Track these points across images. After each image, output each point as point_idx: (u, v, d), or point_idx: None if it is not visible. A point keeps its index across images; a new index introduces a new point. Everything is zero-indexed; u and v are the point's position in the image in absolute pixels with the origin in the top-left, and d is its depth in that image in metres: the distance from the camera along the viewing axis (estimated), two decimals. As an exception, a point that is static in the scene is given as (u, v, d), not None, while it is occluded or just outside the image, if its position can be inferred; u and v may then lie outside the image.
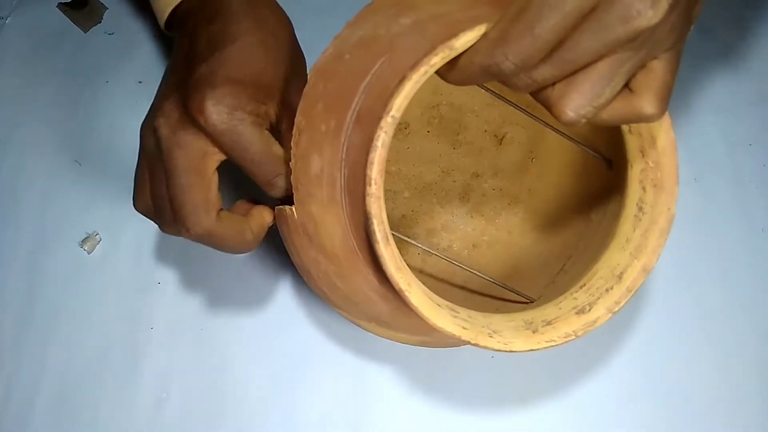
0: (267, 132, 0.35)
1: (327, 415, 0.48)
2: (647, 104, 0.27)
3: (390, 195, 0.52)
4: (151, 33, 0.60)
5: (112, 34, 0.60)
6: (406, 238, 0.41)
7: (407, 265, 0.31)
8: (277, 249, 0.53)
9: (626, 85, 0.28)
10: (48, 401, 0.49)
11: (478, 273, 0.43)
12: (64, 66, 0.59)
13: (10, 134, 0.57)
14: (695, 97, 0.57)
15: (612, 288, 0.35)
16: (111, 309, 0.51)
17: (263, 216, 0.37)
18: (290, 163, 0.35)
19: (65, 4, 0.60)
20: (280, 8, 0.38)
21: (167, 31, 0.42)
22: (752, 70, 0.59)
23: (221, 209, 0.35)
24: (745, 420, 0.48)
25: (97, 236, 0.53)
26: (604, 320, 0.34)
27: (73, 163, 0.55)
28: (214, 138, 0.33)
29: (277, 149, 0.35)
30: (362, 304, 0.36)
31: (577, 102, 0.27)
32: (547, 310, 0.35)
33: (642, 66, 0.27)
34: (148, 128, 0.35)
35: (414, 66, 0.29)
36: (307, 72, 0.38)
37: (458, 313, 0.32)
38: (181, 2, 0.39)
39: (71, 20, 0.60)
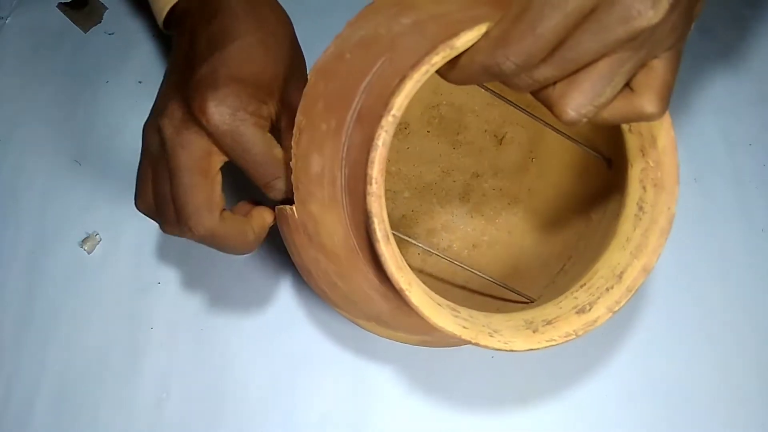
0: (269, 134, 0.35)
1: (327, 415, 0.48)
2: (648, 103, 0.27)
3: (390, 195, 0.52)
4: (150, 33, 0.60)
5: (112, 34, 0.60)
6: (406, 238, 0.41)
7: (407, 264, 0.31)
8: (277, 249, 0.53)
9: (627, 85, 0.28)
10: (48, 401, 0.49)
11: (478, 273, 0.43)
12: (64, 66, 0.59)
13: (10, 134, 0.57)
14: (695, 97, 0.57)
15: (612, 287, 0.35)
16: (111, 309, 0.51)
17: (264, 216, 0.37)
18: (291, 163, 0.35)
19: (65, 4, 0.60)
20: (281, 7, 0.38)
21: (166, 29, 0.42)
22: (752, 70, 0.59)
23: (223, 209, 0.35)
24: (745, 420, 0.48)
25: (97, 236, 0.53)
26: (605, 320, 0.34)
27: (73, 163, 0.55)
28: (215, 138, 0.33)
29: (278, 152, 0.35)
30: (362, 303, 0.36)
31: (578, 101, 0.27)
32: (548, 310, 0.35)
33: (642, 65, 0.27)
34: (152, 128, 0.35)
35: (415, 65, 0.29)
36: (307, 71, 0.38)
37: (459, 312, 0.32)
38: (179, 1, 0.39)
39: (71, 20, 0.60)
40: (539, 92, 0.28)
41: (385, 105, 0.29)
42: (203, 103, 0.32)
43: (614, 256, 0.36)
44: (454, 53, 0.28)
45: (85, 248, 0.53)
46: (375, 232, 0.29)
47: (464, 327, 0.31)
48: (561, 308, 0.35)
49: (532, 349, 0.32)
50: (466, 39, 0.28)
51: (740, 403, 0.49)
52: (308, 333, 0.51)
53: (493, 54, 0.27)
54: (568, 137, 0.41)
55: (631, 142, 0.35)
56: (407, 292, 0.30)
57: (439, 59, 0.29)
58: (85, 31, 0.60)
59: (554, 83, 0.27)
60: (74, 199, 0.54)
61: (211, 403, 0.49)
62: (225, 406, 0.49)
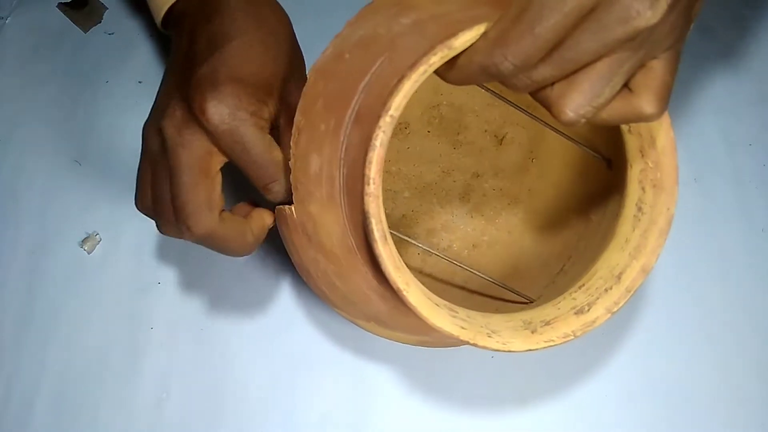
0: (268, 135, 0.35)
1: (326, 415, 0.48)
2: (647, 104, 0.27)
3: (390, 195, 0.52)
4: (150, 33, 0.60)
5: (112, 34, 0.60)
6: (405, 238, 0.41)
7: (407, 265, 0.31)
8: (277, 249, 0.53)
9: (626, 85, 0.28)
10: (48, 401, 0.49)
11: (477, 273, 0.43)
12: (64, 66, 0.59)
13: (10, 134, 0.57)
14: (695, 97, 0.57)
15: (611, 288, 0.35)
16: (111, 309, 0.51)
17: (263, 218, 0.37)
18: (290, 163, 0.35)
19: (65, 4, 0.60)
20: (280, 7, 0.38)
21: (164, 29, 0.42)
22: (752, 70, 0.59)
23: (223, 210, 0.35)
24: (745, 420, 0.48)
25: (97, 236, 0.53)
26: (603, 320, 0.34)
27: (73, 163, 0.55)
28: (215, 138, 0.33)
29: (277, 154, 0.35)
30: (361, 303, 0.36)
31: (577, 102, 0.27)
32: (546, 311, 0.35)
33: (641, 66, 0.27)
34: (152, 128, 0.35)
35: (413, 65, 0.29)
36: (307, 71, 0.38)
37: (457, 312, 0.32)
38: (178, 0, 0.39)
39: (71, 20, 0.60)
40: (538, 93, 0.28)
41: (383, 105, 0.29)
42: (203, 102, 0.32)
43: (613, 256, 0.36)
44: (453, 53, 0.28)
45: (85, 248, 0.53)
46: (372, 233, 0.29)
47: (462, 327, 0.31)
48: (559, 309, 0.35)
49: (530, 350, 0.32)
50: (464, 39, 0.28)
51: (740, 403, 0.49)
52: (308, 333, 0.51)
53: (491, 54, 0.27)
54: (568, 137, 0.41)
55: (631, 142, 0.35)
56: (405, 292, 0.30)
57: (437, 59, 0.29)
58: (85, 31, 0.60)
59: (553, 84, 0.27)
60: (74, 199, 0.54)
61: (211, 403, 0.49)
62: (225, 406, 0.49)
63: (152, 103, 0.37)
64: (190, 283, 0.52)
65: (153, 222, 0.37)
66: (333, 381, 0.50)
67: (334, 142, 0.33)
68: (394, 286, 0.30)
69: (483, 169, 0.52)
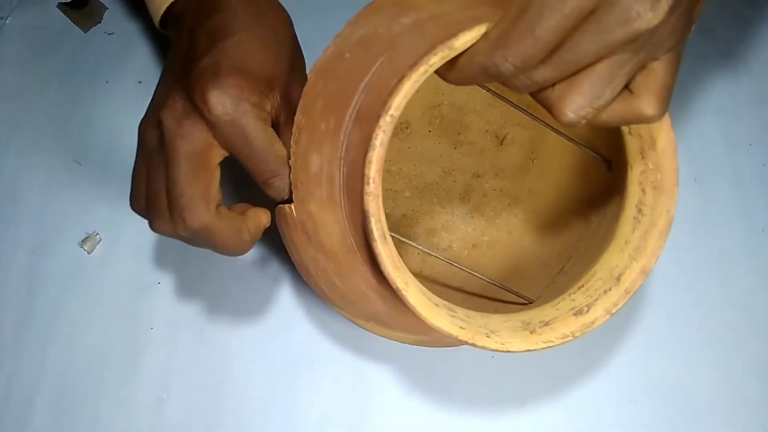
0: (271, 129, 0.34)
1: (326, 415, 0.48)
2: (647, 105, 0.27)
3: (390, 194, 0.52)
4: (150, 33, 0.60)
5: (112, 34, 0.60)
6: (405, 240, 0.41)
7: (406, 266, 0.31)
8: (276, 249, 0.53)
9: (626, 87, 0.28)
10: (48, 401, 0.49)
11: (476, 273, 0.43)
12: (64, 66, 0.59)
13: (10, 134, 0.57)
14: (695, 98, 0.57)
15: (610, 289, 0.35)
16: (111, 309, 0.51)
17: (260, 217, 0.37)
18: (290, 162, 0.35)
19: (65, 4, 0.60)
20: (281, 6, 0.38)
21: (162, 29, 0.42)
22: (752, 71, 0.59)
23: (220, 205, 0.34)
24: (745, 420, 0.48)
25: (97, 236, 0.53)
26: (602, 321, 0.34)
27: (73, 163, 0.55)
28: (217, 129, 0.33)
29: (279, 148, 0.35)
30: (360, 302, 0.37)
31: (577, 103, 0.27)
32: (545, 311, 0.35)
33: (642, 67, 0.27)
34: (150, 123, 0.34)
35: (413, 65, 0.29)
36: (307, 71, 0.38)
37: (455, 312, 0.32)
38: (176, 0, 0.39)
39: (71, 20, 0.60)
40: (538, 93, 0.28)
41: (383, 105, 0.29)
42: (205, 93, 0.32)
43: (613, 257, 0.36)
44: (453, 54, 0.28)
45: (85, 248, 0.53)
46: (372, 232, 0.29)
47: (461, 327, 0.31)
48: (558, 310, 0.35)
49: (529, 351, 0.32)
50: (464, 39, 0.28)
51: (740, 403, 0.49)
52: (308, 333, 0.51)
53: (491, 55, 0.27)
54: (569, 138, 0.41)
55: (631, 144, 0.35)
56: (404, 292, 0.30)
57: (437, 60, 0.29)
58: (85, 31, 0.60)
59: (553, 84, 0.27)
60: (74, 199, 0.54)
61: (211, 403, 0.49)
62: (225, 406, 0.49)
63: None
64: (190, 283, 0.52)
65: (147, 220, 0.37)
66: (333, 381, 0.50)
67: (335, 141, 0.33)
68: (393, 286, 0.30)
69: (483, 170, 0.52)
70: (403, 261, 0.31)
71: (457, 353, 0.48)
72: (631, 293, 0.34)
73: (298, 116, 0.36)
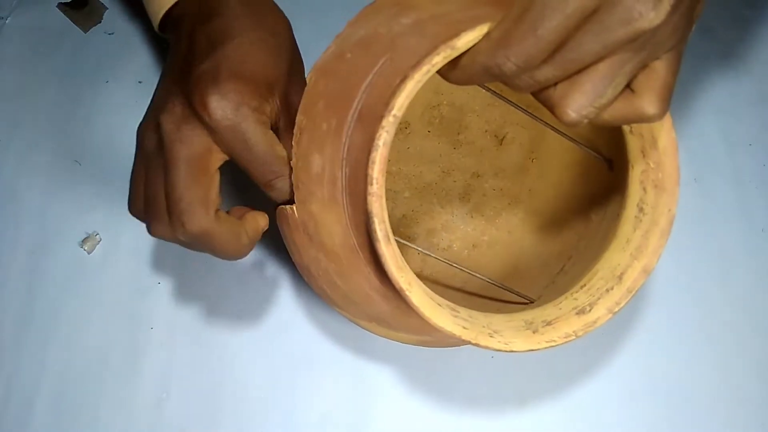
0: (271, 132, 0.34)
1: (327, 415, 0.48)
2: (648, 105, 0.27)
3: (390, 195, 0.52)
4: (151, 33, 0.60)
5: (112, 34, 0.60)
6: (404, 242, 0.41)
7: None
8: (277, 249, 0.53)
9: (628, 86, 0.28)
10: (48, 401, 0.49)
11: (476, 274, 0.43)
12: (64, 66, 0.59)
13: (10, 134, 0.57)
14: (695, 98, 0.57)
15: (612, 288, 0.35)
16: (111, 309, 0.51)
17: (258, 221, 0.37)
18: (291, 162, 0.35)
19: (65, 4, 0.60)
20: (279, 9, 0.38)
21: (161, 32, 0.42)
22: (752, 71, 0.59)
23: (218, 210, 0.34)
24: (745, 420, 0.48)
25: (97, 236, 0.53)
26: (605, 321, 0.34)
27: (73, 163, 0.55)
28: (217, 134, 0.33)
29: (280, 150, 0.35)
30: (362, 303, 0.36)
31: (579, 102, 0.27)
32: (548, 311, 0.35)
33: (643, 66, 0.27)
34: (149, 126, 0.34)
35: (416, 65, 0.29)
36: (306, 72, 0.38)
37: (459, 312, 0.32)
38: (175, 4, 0.39)
39: (71, 20, 0.60)
40: (540, 93, 0.28)
41: (385, 105, 0.29)
42: (205, 97, 0.32)
43: (614, 257, 0.36)
44: (455, 53, 0.28)
45: (85, 248, 0.53)
46: (375, 232, 0.29)
47: (464, 327, 0.31)
48: (561, 309, 0.35)
49: (532, 350, 0.33)
50: (467, 39, 0.28)
51: (740, 403, 0.49)
52: (308, 333, 0.51)
53: (494, 55, 0.27)
54: (569, 138, 0.41)
55: (632, 143, 0.35)
56: (407, 292, 0.30)
57: (440, 59, 0.29)
58: (85, 31, 0.60)
59: (555, 84, 0.27)
60: (74, 199, 0.54)
61: (211, 403, 0.49)
62: (225, 406, 0.49)
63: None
64: (191, 283, 0.52)
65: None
66: (333, 381, 0.50)
67: (336, 142, 0.33)
68: (397, 286, 0.30)
69: (483, 169, 0.52)
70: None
71: (458, 353, 0.48)
72: (633, 292, 0.34)
73: (299, 117, 0.36)
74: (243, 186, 0.50)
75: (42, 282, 0.52)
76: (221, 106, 0.32)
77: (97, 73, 0.58)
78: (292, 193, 0.35)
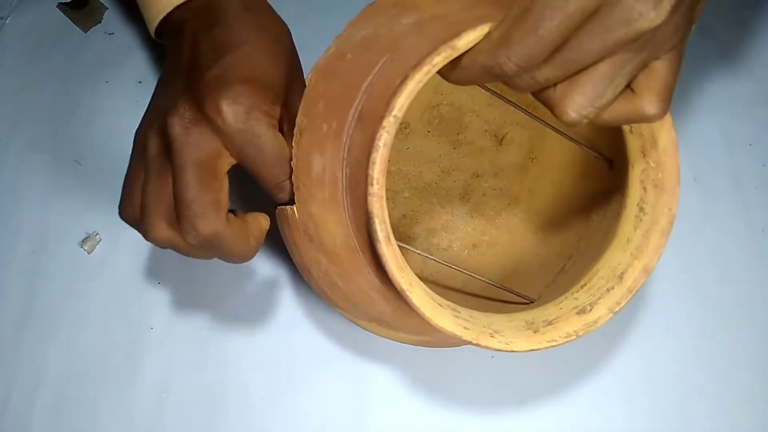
0: (280, 134, 0.35)
1: (327, 415, 0.48)
2: (649, 104, 0.28)
3: (390, 195, 0.52)
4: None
5: (112, 34, 0.60)
6: (405, 246, 0.40)
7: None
8: (277, 249, 0.53)
9: (628, 86, 0.28)
10: (48, 401, 0.49)
11: (475, 275, 0.43)
12: (64, 66, 0.59)
13: (10, 134, 0.57)
14: (695, 98, 0.57)
15: (613, 288, 0.35)
16: (111, 309, 0.51)
17: (260, 221, 0.37)
18: (291, 163, 0.35)
19: (65, 4, 0.60)
20: (279, 17, 0.38)
21: (157, 38, 0.42)
22: (752, 71, 0.59)
23: (228, 213, 0.34)
24: (745, 420, 0.48)
25: (97, 236, 0.53)
26: (605, 320, 0.34)
27: (73, 163, 0.55)
28: (229, 138, 0.33)
29: (288, 153, 0.35)
30: (363, 303, 0.36)
31: (579, 102, 0.27)
32: (548, 310, 0.35)
33: (644, 66, 0.27)
34: (150, 131, 0.34)
35: (416, 65, 0.29)
36: (306, 72, 0.38)
37: (459, 313, 0.32)
38: (174, 10, 0.39)
39: (71, 20, 0.60)
40: (540, 93, 0.28)
41: (386, 105, 0.29)
42: (217, 102, 0.32)
43: (615, 256, 0.36)
44: (456, 54, 0.29)
45: (85, 248, 0.53)
46: (376, 233, 0.29)
47: (465, 328, 0.31)
48: (561, 309, 0.35)
49: (533, 350, 0.33)
50: (467, 39, 0.28)
51: (740, 403, 0.49)
52: (308, 333, 0.51)
53: (494, 55, 0.27)
54: (569, 138, 0.41)
55: (632, 143, 0.35)
56: (408, 293, 0.30)
57: (440, 60, 0.29)
58: (85, 31, 0.60)
59: (555, 84, 0.27)
60: (74, 199, 0.54)
61: (211, 403, 0.49)
62: (225, 406, 0.49)
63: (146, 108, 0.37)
64: (190, 283, 0.52)
65: (137, 230, 0.36)
66: (333, 381, 0.50)
67: (337, 142, 0.33)
68: (398, 287, 0.30)
69: (483, 169, 0.52)
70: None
71: (458, 353, 0.48)
72: (634, 292, 0.34)
73: (299, 117, 0.36)
74: (238, 189, 0.50)
75: (42, 282, 0.52)
76: (233, 110, 0.32)
77: (97, 73, 0.58)
78: (292, 194, 0.35)
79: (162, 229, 0.34)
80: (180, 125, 0.33)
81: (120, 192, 0.37)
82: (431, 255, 0.47)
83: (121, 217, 0.37)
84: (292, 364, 0.50)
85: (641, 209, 0.35)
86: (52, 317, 0.51)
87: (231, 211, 0.35)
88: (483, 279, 0.43)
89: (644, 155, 0.34)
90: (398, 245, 0.38)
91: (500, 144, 0.52)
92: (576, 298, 0.35)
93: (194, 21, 0.37)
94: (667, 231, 0.35)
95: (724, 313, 0.51)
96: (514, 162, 0.52)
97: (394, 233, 0.30)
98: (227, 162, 0.34)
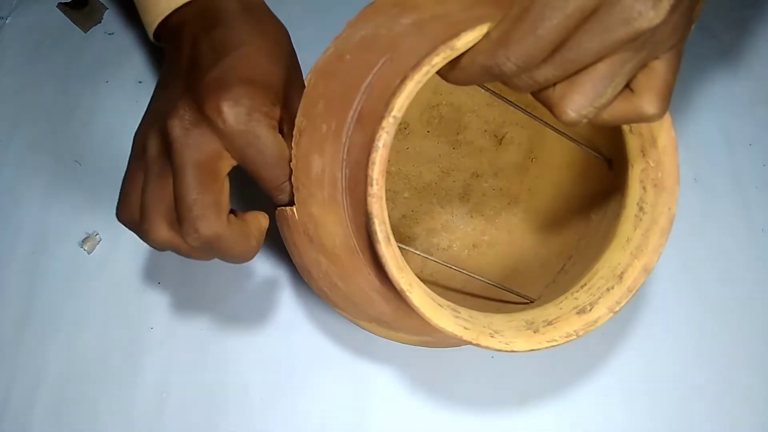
0: (280, 136, 0.35)
1: (327, 415, 0.48)
2: (648, 104, 0.27)
3: (390, 195, 0.52)
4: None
5: (112, 34, 0.60)
6: (405, 247, 0.40)
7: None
8: (277, 249, 0.53)
9: (627, 85, 0.28)
10: (48, 401, 0.49)
11: (475, 275, 0.43)
12: (64, 66, 0.59)
13: (10, 134, 0.57)
14: (695, 97, 0.57)
15: (613, 288, 0.35)
16: (111, 309, 0.51)
17: (260, 221, 0.36)
18: (291, 164, 0.35)
19: (65, 4, 0.60)
20: (277, 19, 0.38)
21: (155, 41, 0.42)
22: (752, 70, 0.59)
23: (229, 214, 0.34)
24: (745, 420, 0.48)
25: (97, 236, 0.53)
26: (605, 320, 0.34)
27: (73, 163, 0.55)
28: (230, 139, 0.33)
29: (288, 154, 0.35)
30: (363, 304, 0.36)
31: (579, 102, 0.27)
32: (548, 310, 0.35)
33: (643, 66, 0.27)
34: (150, 133, 0.34)
35: (416, 66, 0.29)
36: (305, 73, 0.38)
37: (459, 313, 0.32)
38: (174, 13, 0.39)
39: (71, 20, 0.60)
40: (539, 93, 0.28)
41: (385, 106, 0.29)
42: (218, 103, 0.32)
43: (615, 256, 0.36)
44: (455, 54, 0.28)
45: (85, 248, 0.53)
46: (376, 234, 0.29)
47: (465, 328, 0.31)
48: (561, 308, 0.35)
49: (533, 350, 0.33)
50: (466, 40, 0.28)
51: (740, 403, 0.49)
52: (308, 333, 0.51)
53: (493, 55, 0.27)
54: (569, 137, 0.41)
55: (632, 142, 0.35)
56: (408, 293, 0.30)
57: (439, 60, 0.29)
58: (85, 31, 0.60)
59: (554, 84, 0.27)
60: (74, 199, 0.54)
61: (211, 403, 0.49)
62: (225, 406, 0.49)
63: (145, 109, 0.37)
64: (190, 283, 0.52)
65: (135, 232, 0.36)
66: (333, 381, 0.50)
67: (336, 143, 0.33)
68: (397, 287, 0.30)
69: (483, 169, 0.52)
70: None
71: (458, 353, 0.48)
72: (634, 291, 0.34)
73: (299, 118, 0.36)
74: (238, 191, 0.50)
75: (42, 282, 0.52)
76: (235, 112, 0.32)
77: (97, 73, 0.58)
78: (292, 195, 0.35)
79: (162, 230, 0.34)
80: (180, 126, 0.33)
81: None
82: (431, 255, 0.47)
83: (119, 219, 0.37)
84: (292, 364, 0.50)
85: (641, 209, 0.35)
86: (52, 317, 0.51)
87: (230, 211, 0.35)
88: (483, 279, 0.43)
89: (644, 155, 0.34)
90: (398, 246, 0.38)
91: (500, 144, 0.52)
92: (576, 298, 0.35)
93: (193, 23, 0.37)
94: (667, 230, 0.35)
95: (724, 313, 0.51)
96: (513, 162, 0.52)
97: (394, 233, 0.30)
98: (228, 163, 0.34)
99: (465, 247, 0.52)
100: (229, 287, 0.52)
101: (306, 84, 0.37)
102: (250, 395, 0.49)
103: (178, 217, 0.33)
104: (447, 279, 0.49)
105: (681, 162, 0.34)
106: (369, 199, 0.29)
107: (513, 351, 0.32)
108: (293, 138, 0.35)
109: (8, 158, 0.56)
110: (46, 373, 0.50)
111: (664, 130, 0.34)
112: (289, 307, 0.52)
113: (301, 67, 0.39)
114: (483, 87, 0.37)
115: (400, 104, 0.29)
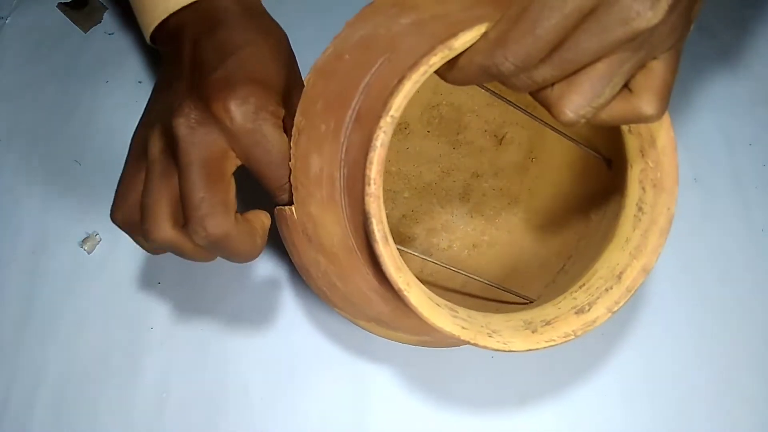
0: (285, 135, 0.35)
1: (326, 415, 0.48)
2: (647, 104, 0.27)
3: (390, 195, 0.52)
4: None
5: (112, 34, 0.60)
6: (404, 249, 0.40)
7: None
8: (277, 249, 0.53)
9: (626, 86, 0.28)
10: (48, 401, 0.49)
11: (474, 276, 0.43)
12: (64, 66, 0.59)
13: (10, 134, 0.57)
14: (695, 97, 0.57)
15: (611, 288, 0.35)
16: (111, 309, 0.51)
17: (262, 219, 0.36)
18: (290, 164, 0.35)
19: (65, 4, 0.60)
20: (275, 21, 0.39)
21: (152, 43, 0.42)
22: (751, 70, 0.59)
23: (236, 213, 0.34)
24: (745, 420, 0.48)
25: (97, 236, 0.53)
26: (604, 320, 0.34)
27: (73, 163, 0.55)
28: (237, 138, 0.33)
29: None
30: (362, 303, 0.36)
31: (577, 102, 0.27)
32: (547, 310, 0.35)
33: (641, 66, 0.27)
34: (152, 132, 0.34)
35: (413, 66, 0.29)
36: (304, 73, 0.38)
37: (457, 312, 0.32)
38: (172, 15, 0.39)
39: (71, 20, 0.60)
40: (538, 93, 0.28)
41: (383, 105, 0.29)
42: (225, 102, 0.32)
43: (614, 256, 0.36)
44: (453, 54, 0.28)
45: (85, 248, 0.53)
46: (373, 233, 0.29)
47: (463, 327, 0.31)
48: (560, 308, 0.35)
49: (531, 350, 0.32)
50: (464, 40, 0.28)
51: (740, 403, 0.49)
52: (308, 333, 0.51)
53: (491, 55, 0.27)
54: (568, 137, 0.41)
55: (631, 142, 0.35)
56: (406, 293, 0.30)
57: (437, 60, 0.29)
58: (85, 31, 0.60)
59: (553, 84, 0.27)
60: (74, 199, 0.54)
61: (211, 403, 0.49)
62: (225, 406, 0.49)
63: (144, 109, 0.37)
64: (190, 283, 0.52)
65: (129, 235, 0.36)
66: (333, 381, 0.50)
67: (335, 142, 0.33)
68: (395, 287, 0.30)
69: (483, 169, 0.52)
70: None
71: (457, 353, 0.48)
72: (633, 291, 0.34)
73: (297, 117, 0.36)
74: (238, 192, 0.50)
75: (42, 282, 0.52)
76: (242, 111, 0.32)
77: (97, 73, 0.58)
78: (291, 194, 0.35)
79: (166, 229, 0.34)
80: (186, 125, 0.32)
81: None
82: (431, 255, 0.47)
83: (114, 219, 0.37)
84: (292, 364, 0.50)
85: (640, 209, 0.35)
86: (52, 317, 0.51)
87: None
88: (481, 280, 0.43)
89: (643, 155, 0.34)
90: (397, 248, 0.38)
91: (500, 144, 0.52)
92: (575, 298, 0.35)
93: (194, 26, 0.37)
94: (666, 231, 0.35)
95: (724, 313, 0.51)
96: (513, 162, 0.52)
97: (394, 233, 0.30)
98: (233, 163, 0.34)
99: (465, 247, 0.52)
100: (229, 287, 0.52)
101: (305, 84, 0.37)
102: (250, 395, 0.49)
103: (185, 216, 0.33)
104: (446, 279, 0.49)
105: (681, 162, 0.34)
106: (367, 198, 0.29)
107: (511, 351, 0.32)
108: (292, 137, 0.35)
109: (8, 158, 0.56)
110: (46, 373, 0.50)
111: (663, 131, 0.34)
112: (289, 308, 0.52)
113: (301, 67, 0.39)
114: (483, 87, 0.37)
115: (397, 104, 0.29)
